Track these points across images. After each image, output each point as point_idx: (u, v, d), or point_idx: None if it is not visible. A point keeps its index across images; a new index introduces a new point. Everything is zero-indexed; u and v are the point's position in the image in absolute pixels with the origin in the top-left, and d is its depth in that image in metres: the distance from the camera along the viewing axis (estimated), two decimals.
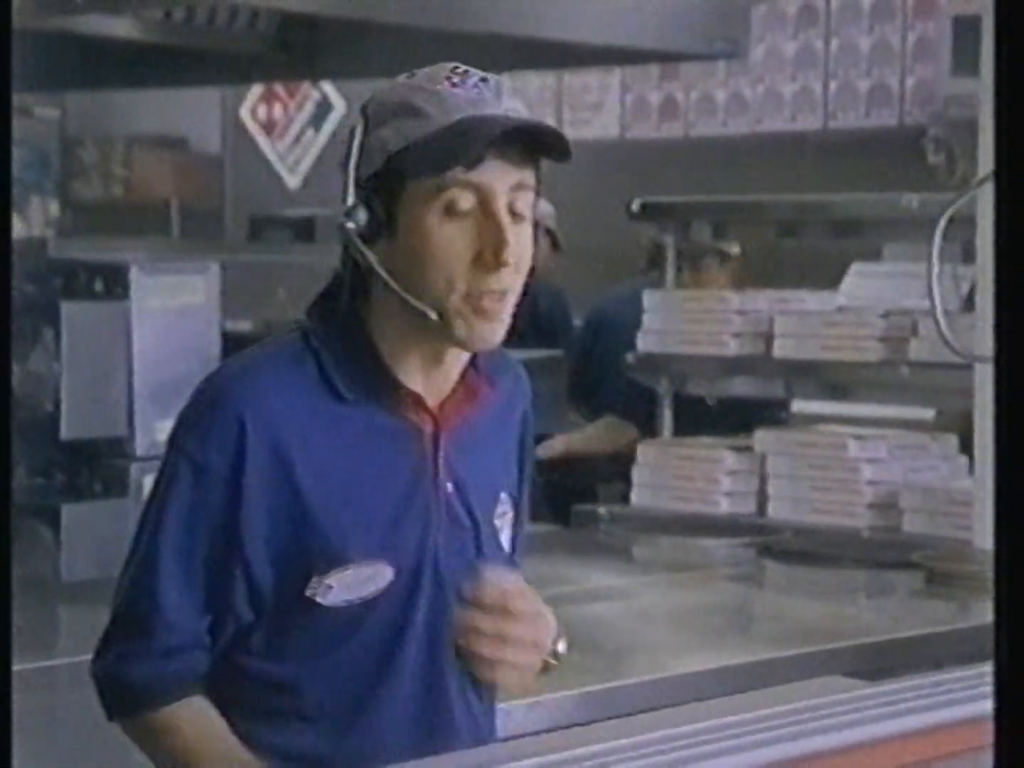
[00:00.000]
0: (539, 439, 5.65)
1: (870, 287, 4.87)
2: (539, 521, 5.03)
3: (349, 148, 1.82)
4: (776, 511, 4.39)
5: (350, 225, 1.80)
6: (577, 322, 5.97)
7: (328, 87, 8.08)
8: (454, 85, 1.79)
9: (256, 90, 8.16)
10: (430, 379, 1.85)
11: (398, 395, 1.84)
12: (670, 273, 4.79)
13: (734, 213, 4.92)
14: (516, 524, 1.96)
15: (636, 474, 4.59)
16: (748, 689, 2.42)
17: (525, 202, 1.79)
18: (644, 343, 4.68)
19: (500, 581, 1.81)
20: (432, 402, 1.86)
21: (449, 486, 1.87)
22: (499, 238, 1.76)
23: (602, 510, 4.63)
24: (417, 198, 1.78)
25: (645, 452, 4.61)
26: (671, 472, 4.53)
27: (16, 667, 2.89)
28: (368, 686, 1.85)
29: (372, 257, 1.80)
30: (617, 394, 5.31)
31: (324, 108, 8.28)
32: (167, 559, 1.80)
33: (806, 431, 4.48)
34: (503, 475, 1.95)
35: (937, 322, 2.28)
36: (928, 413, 4.81)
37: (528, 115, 1.82)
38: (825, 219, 4.70)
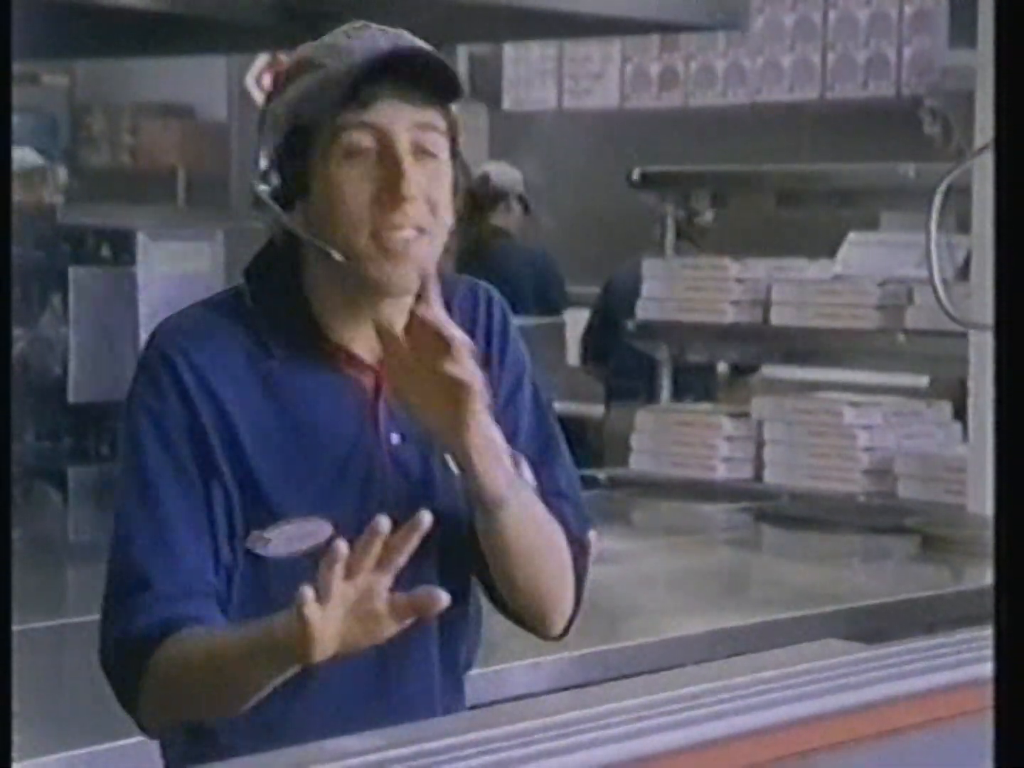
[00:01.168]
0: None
1: (867, 256, 4.89)
2: None
3: (262, 116, 1.83)
4: (773, 477, 4.43)
5: (263, 187, 1.80)
6: (580, 288, 6.02)
7: None
8: (349, 37, 1.79)
9: (261, 59, 8.17)
10: (371, 334, 1.81)
11: (329, 351, 1.83)
12: (669, 241, 4.83)
13: (733, 183, 4.96)
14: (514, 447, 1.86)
15: (635, 440, 4.64)
16: (745, 652, 2.45)
17: (433, 141, 1.77)
18: (643, 311, 4.71)
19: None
20: (373, 356, 1.83)
21: (394, 438, 1.84)
22: (396, 172, 1.75)
23: (601, 475, 4.68)
24: (319, 148, 1.77)
25: (644, 418, 4.65)
26: (669, 438, 4.57)
27: (25, 625, 2.96)
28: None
29: (283, 215, 1.79)
30: (626, 360, 5.37)
31: None
32: (162, 503, 1.79)
33: (803, 398, 4.52)
34: None
35: (935, 290, 2.33)
36: (923, 380, 4.85)
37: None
38: (823, 189, 4.73)
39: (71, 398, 4.18)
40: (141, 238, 4.19)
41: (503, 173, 6.29)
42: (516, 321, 1.99)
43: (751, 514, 4.25)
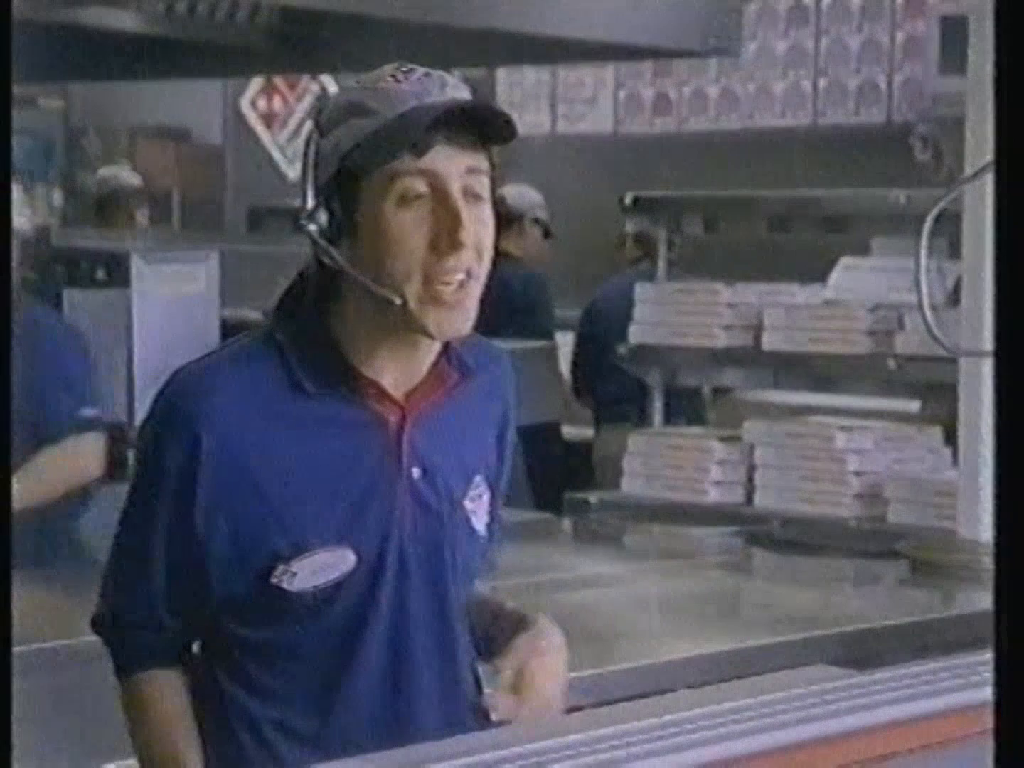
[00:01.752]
0: (535, 428, 5.74)
1: (858, 281, 4.91)
2: (533, 509, 5.11)
3: (306, 155, 1.86)
4: (764, 500, 4.44)
5: (312, 227, 1.84)
6: (574, 312, 6.03)
7: (327, 80, 8.13)
8: (398, 81, 1.82)
9: (256, 82, 8.20)
10: (399, 371, 1.88)
11: (359, 386, 1.86)
12: (661, 265, 4.85)
13: (725, 207, 4.99)
14: (493, 507, 1.98)
15: (627, 463, 4.65)
16: (736, 675, 2.45)
17: (481, 184, 1.82)
18: (635, 335, 4.73)
19: (524, 653, 1.91)
20: (399, 392, 1.88)
21: (415, 472, 1.89)
22: (454, 219, 1.78)
23: (593, 498, 4.70)
24: (372, 193, 1.81)
25: (636, 441, 4.67)
26: (661, 461, 4.59)
27: (27, 647, 2.95)
28: (334, 671, 1.88)
29: (335, 253, 1.83)
30: (613, 384, 5.38)
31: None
32: (128, 550, 1.91)
33: (794, 422, 4.54)
34: (479, 459, 1.97)
35: (924, 317, 2.34)
36: (914, 405, 4.87)
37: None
38: (814, 214, 4.76)
39: None
40: (135, 260, 4.21)
41: (521, 195, 6.28)
42: (511, 344, 2.06)
43: (742, 538, 4.26)
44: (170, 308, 4.19)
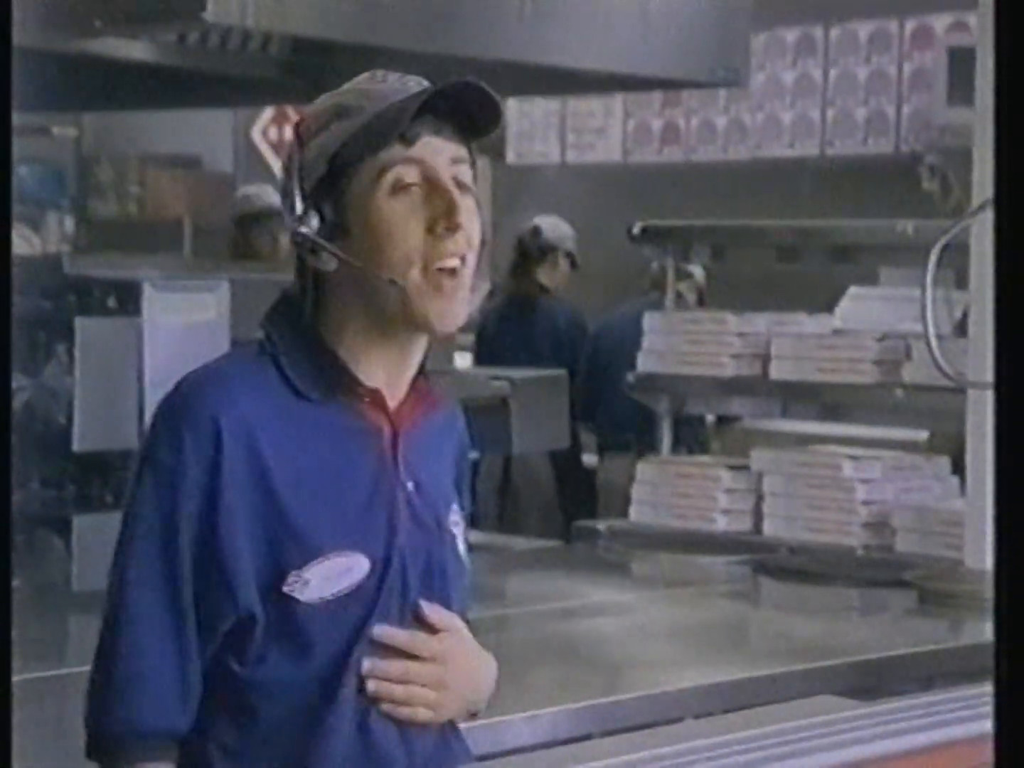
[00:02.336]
0: (557, 457, 5.76)
1: (866, 310, 4.93)
2: (542, 536, 5.12)
3: (289, 166, 1.88)
4: (772, 529, 4.45)
5: (304, 230, 1.84)
6: None
7: None
8: (378, 82, 1.86)
9: (267, 111, 8.23)
10: (388, 381, 1.88)
11: (358, 393, 1.87)
12: (670, 294, 4.87)
13: (732, 237, 5.00)
14: (465, 540, 1.97)
15: (635, 491, 4.66)
16: (743, 705, 2.45)
17: (465, 174, 1.84)
18: (644, 363, 4.75)
19: (429, 617, 1.87)
20: (394, 402, 1.89)
21: (410, 485, 1.89)
22: (448, 202, 1.81)
23: (601, 526, 4.71)
24: (363, 187, 1.83)
25: (644, 470, 4.68)
26: (669, 490, 4.60)
27: (29, 675, 2.96)
28: (328, 684, 1.84)
29: (333, 248, 1.83)
30: (618, 412, 5.40)
31: None
32: (145, 595, 1.79)
33: (802, 451, 4.55)
34: (451, 488, 1.98)
35: (930, 348, 2.36)
36: (921, 435, 4.88)
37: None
38: (822, 244, 4.77)
39: (76, 447, 4.19)
40: (147, 289, 4.21)
41: (555, 228, 6.28)
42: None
43: (749, 566, 4.27)
44: (181, 335, 4.20)
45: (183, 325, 4.22)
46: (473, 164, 1.87)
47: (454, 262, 1.83)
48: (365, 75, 1.89)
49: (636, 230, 4.81)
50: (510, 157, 7.02)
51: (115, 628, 1.81)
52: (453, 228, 1.81)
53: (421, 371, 1.92)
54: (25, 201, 8.01)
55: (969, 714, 1.74)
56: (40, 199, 8.12)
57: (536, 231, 6.18)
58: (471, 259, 1.85)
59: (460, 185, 1.83)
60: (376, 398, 1.87)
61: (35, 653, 3.29)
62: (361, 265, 1.83)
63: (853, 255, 4.77)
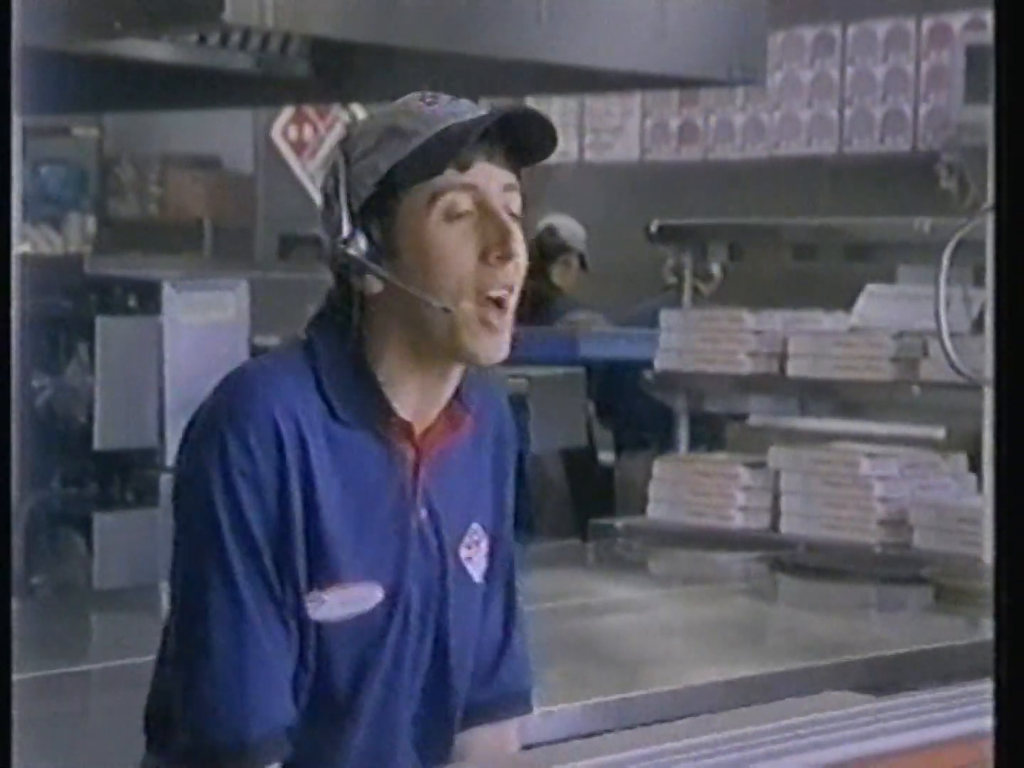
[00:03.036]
0: (568, 452, 5.77)
1: (883, 308, 4.93)
2: (555, 534, 5.13)
3: (336, 182, 1.84)
4: (789, 526, 4.46)
5: (352, 252, 1.81)
6: None
7: (357, 109, 8.18)
8: (429, 104, 1.83)
9: (287, 112, 8.24)
10: (420, 408, 1.86)
11: (390, 422, 1.85)
12: (687, 293, 4.88)
13: (749, 236, 5.01)
14: (494, 554, 1.96)
15: (653, 489, 4.67)
16: (759, 701, 2.47)
17: (515, 203, 1.83)
18: (661, 361, 4.75)
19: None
20: (417, 430, 1.87)
21: (423, 513, 1.88)
22: (503, 231, 1.79)
23: (618, 524, 4.72)
24: (414, 211, 1.81)
25: (662, 467, 4.69)
26: (687, 487, 4.61)
27: (50, 672, 2.99)
28: (339, 704, 1.85)
29: (382, 271, 1.81)
30: (634, 409, 5.41)
31: None
32: (238, 596, 1.78)
33: (819, 448, 4.55)
34: (476, 505, 1.95)
35: (943, 345, 2.37)
36: (939, 432, 4.88)
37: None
38: (839, 242, 4.78)
39: (96, 445, 4.22)
40: (166, 288, 4.24)
41: (569, 227, 6.28)
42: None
43: (766, 563, 4.27)
44: (200, 335, 4.22)
45: (203, 324, 4.24)
46: (523, 192, 1.85)
47: (503, 292, 1.81)
48: (415, 95, 1.85)
49: (653, 229, 4.82)
50: None
51: (209, 635, 1.78)
52: (506, 257, 1.80)
53: (457, 389, 1.89)
54: (47, 201, 8.05)
55: (976, 710, 1.73)
56: (62, 200, 8.15)
57: (552, 230, 6.19)
58: (518, 287, 1.83)
59: (511, 214, 1.81)
60: (404, 427, 1.85)
61: (56, 650, 3.32)
62: (412, 291, 1.80)
63: (870, 253, 4.77)
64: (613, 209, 6.42)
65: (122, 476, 4.32)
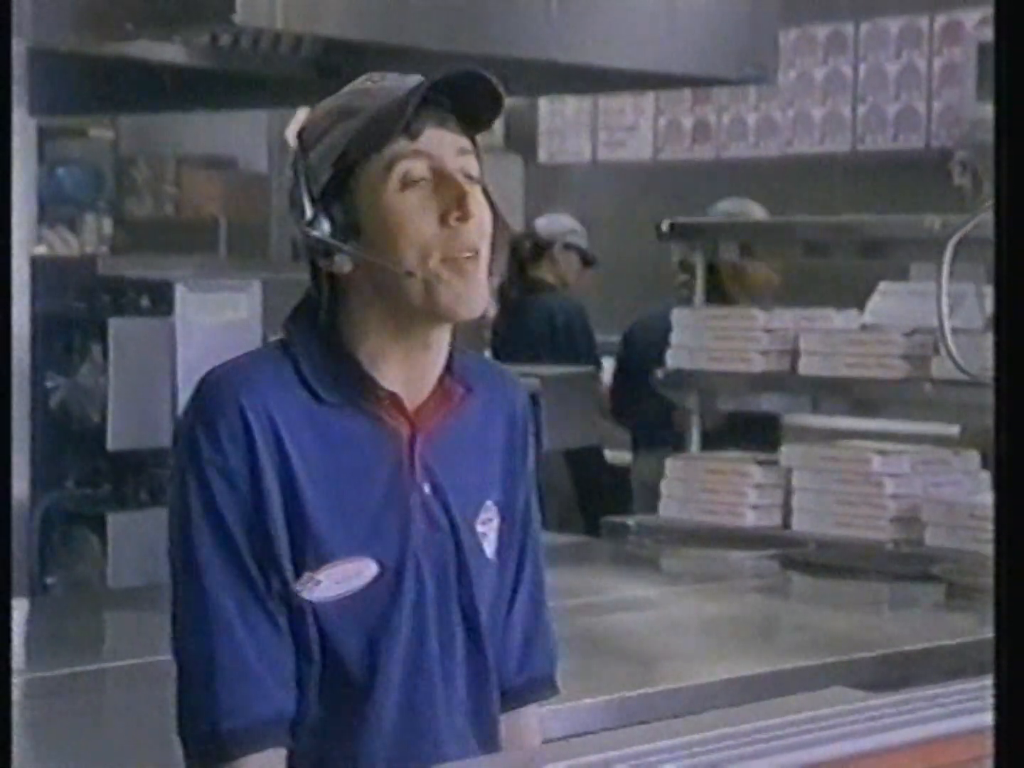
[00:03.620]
0: (577, 452, 5.78)
1: (896, 306, 4.93)
2: (571, 532, 5.14)
3: (295, 171, 1.88)
4: (801, 524, 4.46)
5: (316, 234, 1.85)
6: (613, 338, 6.08)
7: None
8: (375, 83, 1.88)
9: (301, 112, 8.25)
10: (409, 382, 1.88)
11: (376, 397, 1.87)
12: (699, 291, 4.88)
13: (761, 234, 5.02)
14: (504, 533, 1.97)
15: (665, 487, 4.68)
16: (769, 698, 2.47)
17: (472, 165, 1.86)
18: (673, 359, 4.76)
19: None
20: (409, 405, 1.89)
21: (426, 487, 1.89)
22: (459, 192, 1.82)
23: (631, 522, 4.73)
24: (372, 184, 1.84)
25: (674, 466, 4.70)
26: (699, 485, 4.62)
27: (66, 670, 3.01)
28: (355, 688, 1.86)
29: (348, 248, 1.84)
30: (649, 408, 5.41)
31: None
32: (228, 589, 1.81)
33: (831, 446, 4.56)
34: (488, 482, 1.96)
35: (944, 341, 2.38)
36: (951, 429, 4.88)
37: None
38: (850, 240, 4.78)
39: (110, 446, 4.23)
40: (179, 289, 4.25)
41: (549, 223, 6.29)
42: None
43: (778, 561, 4.28)
44: (213, 335, 4.24)
45: (215, 325, 4.26)
46: (479, 155, 1.88)
47: (468, 254, 1.83)
48: (362, 77, 1.90)
49: (664, 227, 4.82)
50: (542, 156, 7.05)
51: (203, 628, 1.82)
52: (464, 217, 1.82)
53: (448, 367, 1.91)
54: (63, 203, 8.07)
55: (974, 705, 1.73)
56: (78, 200, 8.17)
57: (529, 232, 6.20)
58: (484, 249, 1.85)
59: (468, 176, 1.84)
60: (394, 401, 1.87)
61: (71, 648, 3.34)
62: (378, 261, 1.83)
63: (882, 251, 4.77)
64: (626, 208, 6.43)
65: (135, 476, 4.33)
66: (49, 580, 4.33)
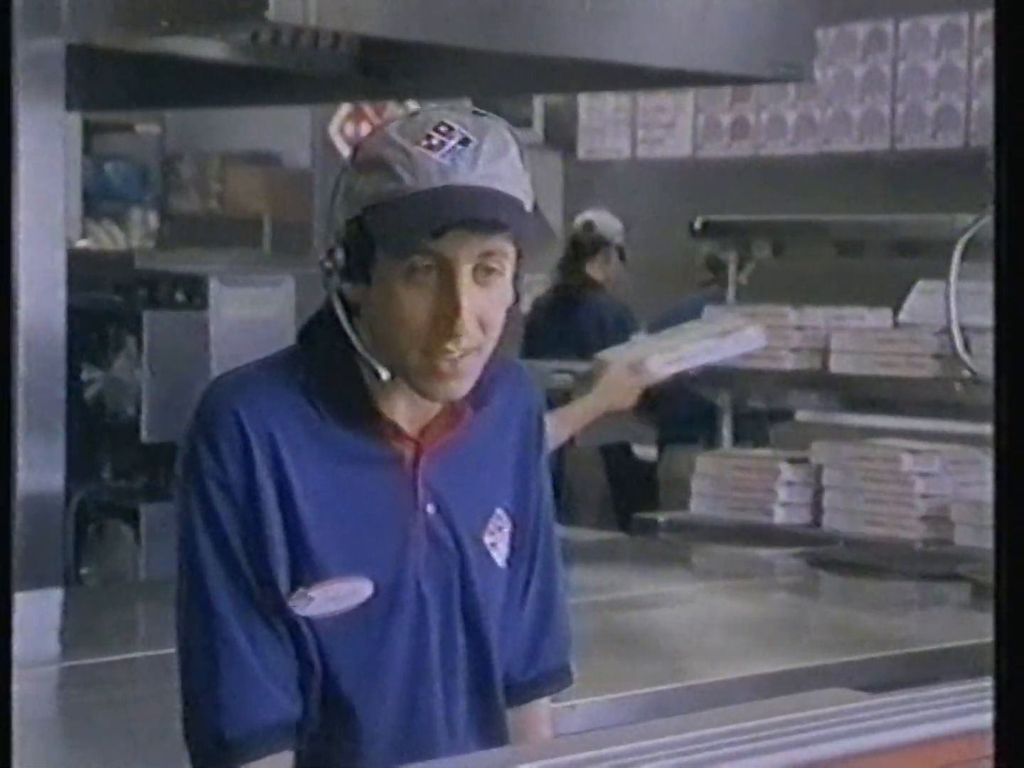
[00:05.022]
0: (607, 450, 5.80)
1: (934, 304, 4.92)
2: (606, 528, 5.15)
3: (335, 189, 1.86)
4: (831, 522, 4.46)
5: (328, 265, 1.83)
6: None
7: (413, 106, 8.23)
8: (430, 147, 1.78)
9: (344, 108, 8.30)
10: (414, 407, 1.87)
11: (378, 424, 1.86)
12: (731, 289, 4.88)
13: (793, 232, 5.01)
14: (516, 537, 1.97)
15: (695, 484, 4.69)
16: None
17: (498, 262, 1.81)
18: None
19: None
20: (414, 428, 1.88)
21: (430, 509, 1.88)
22: (454, 308, 1.77)
23: (661, 518, 4.74)
24: (385, 256, 1.80)
25: (704, 463, 4.71)
26: (729, 483, 4.63)
27: (98, 659, 3.05)
28: (353, 698, 1.86)
29: (338, 305, 1.83)
30: (676, 404, 5.42)
31: None
32: (228, 598, 1.82)
33: (861, 444, 4.55)
34: (499, 490, 1.96)
35: (953, 339, 2.38)
36: (982, 428, 4.86)
37: (511, 176, 1.81)
38: (882, 239, 4.77)
39: (144, 438, 4.27)
40: (213, 283, 4.29)
41: (606, 223, 6.29)
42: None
43: (806, 559, 4.28)
44: (247, 330, 4.27)
45: (249, 319, 4.30)
46: (518, 245, 1.82)
47: (454, 357, 1.80)
48: (428, 122, 1.80)
49: (697, 224, 4.83)
50: (581, 152, 7.06)
51: (206, 636, 1.83)
52: (453, 336, 1.78)
53: None
54: (110, 197, 8.14)
55: (973, 707, 1.73)
56: (125, 195, 8.23)
57: (589, 225, 6.21)
58: (485, 345, 1.82)
59: (485, 271, 1.80)
60: (394, 428, 1.87)
61: (105, 638, 3.38)
62: (373, 325, 1.82)
63: (917, 249, 4.76)
64: (665, 205, 6.43)
65: (169, 468, 4.33)
66: (84, 571, 4.38)
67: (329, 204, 1.87)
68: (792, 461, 4.58)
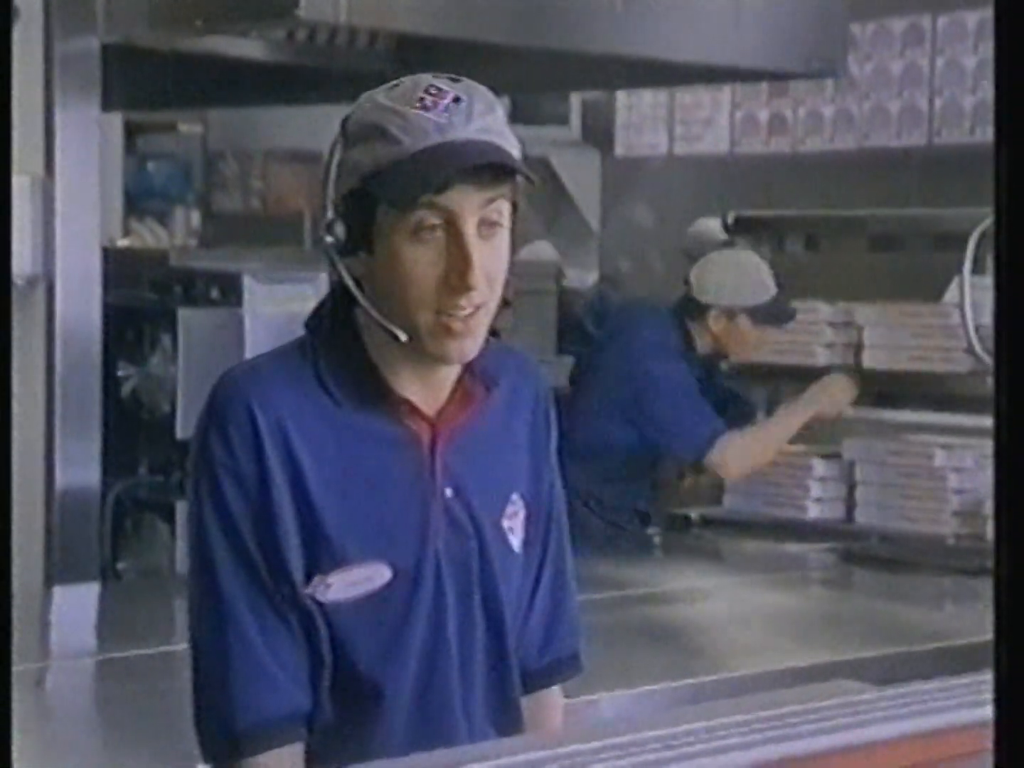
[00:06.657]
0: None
1: (975, 298, 4.91)
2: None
3: (328, 164, 1.85)
4: (864, 517, 4.47)
5: (329, 240, 1.83)
6: None
7: None
8: (425, 107, 1.78)
9: None
10: (426, 387, 1.86)
11: (392, 403, 1.85)
12: None
13: (826, 226, 5.01)
14: (531, 522, 1.96)
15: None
16: None
17: (499, 211, 1.81)
18: None
19: None
20: (429, 409, 1.87)
21: (448, 491, 1.87)
22: (465, 261, 1.77)
23: (694, 513, 4.75)
24: (388, 219, 1.79)
25: None
26: (762, 478, 4.63)
27: (136, 652, 3.08)
28: (368, 688, 1.86)
29: (347, 275, 1.82)
30: (713, 401, 5.41)
31: None
32: (239, 589, 1.82)
33: (894, 440, 4.55)
34: (514, 475, 1.95)
35: (967, 331, 2.38)
36: None
37: (501, 130, 1.82)
38: (918, 232, 4.77)
39: (179, 434, 4.29)
40: (247, 280, 4.31)
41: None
42: None
43: (839, 554, 4.28)
44: (280, 327, 4.28)
45: (283, 316, 4.31)
46: (514, 194, 1.82)
47: (466, 313, 1.80)
48: (418, 85, 1.81)
49: (730, 220, 4.83)
50: (619, 149, 7.05)
51: (216, 628, 1.83)
52: (466, 288, 1.78)
53: (468, 366, 1.88)
54: (153, 196, 8.18)
55: (976, 699, 1.73)
56: (167, 194, 8.27)
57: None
58: (491, 301, 1.82)
59: (488, 225, 1.80)
60: (410, 407, 1.86)
61: (142, 632, 3.42)
62: (375, 292, 1.81)
63: (953, 243, 4.75)
64: (703, 201, 6.43)
65: None
66: (120, 566, 4.41)
67: (322, 182, 1.86)
68: (825, 456, 4.58)
